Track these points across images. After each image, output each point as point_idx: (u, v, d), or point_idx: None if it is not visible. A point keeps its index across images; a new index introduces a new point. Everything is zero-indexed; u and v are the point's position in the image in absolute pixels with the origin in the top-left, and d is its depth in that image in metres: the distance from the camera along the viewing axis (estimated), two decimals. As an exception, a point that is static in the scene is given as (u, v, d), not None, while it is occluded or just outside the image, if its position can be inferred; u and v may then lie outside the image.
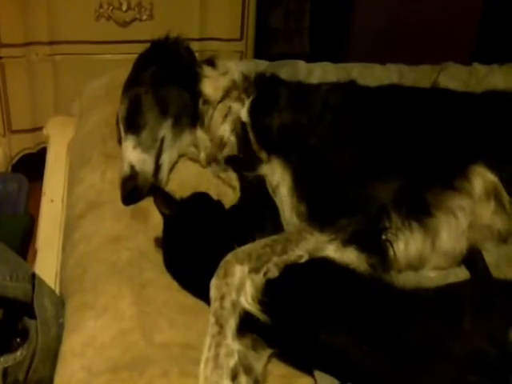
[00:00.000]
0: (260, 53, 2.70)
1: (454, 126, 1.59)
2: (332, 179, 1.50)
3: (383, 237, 1.45)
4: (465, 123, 1.60)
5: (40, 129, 2.22)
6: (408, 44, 2.70)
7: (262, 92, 1.65)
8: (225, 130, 1.63)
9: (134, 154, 1.59)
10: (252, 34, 2.60)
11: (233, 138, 1.63)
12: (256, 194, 1.53)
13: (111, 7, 2.45)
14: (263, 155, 1.57)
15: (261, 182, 1.54)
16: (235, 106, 1.65)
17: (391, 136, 1.57)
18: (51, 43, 2.44)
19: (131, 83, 1.68)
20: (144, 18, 2.49)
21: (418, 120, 1.60)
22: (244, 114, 1.62)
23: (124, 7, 2.47)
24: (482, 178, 1.53)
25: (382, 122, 1.60)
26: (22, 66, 2.44)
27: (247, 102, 1.63)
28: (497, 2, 2.80)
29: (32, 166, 2.44)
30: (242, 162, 1.60)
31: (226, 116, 1.64)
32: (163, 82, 1.65)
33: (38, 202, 1.89)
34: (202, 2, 2.49)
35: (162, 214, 1.43)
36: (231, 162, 1.63)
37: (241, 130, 1.62)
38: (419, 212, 1.50)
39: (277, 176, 1.53)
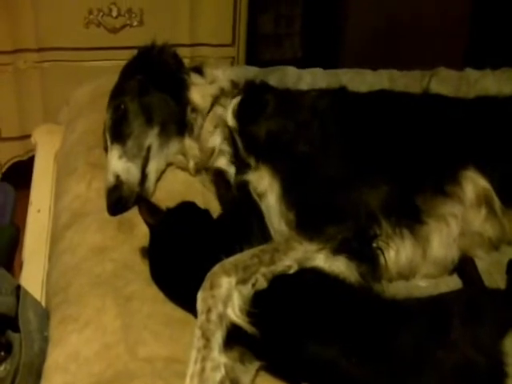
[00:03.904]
0: (252, 58, 2.69)
1: (444, 131, 1.58)
2: (321, 186, 1.48)
3: (374, 245, 1.43)
4: (455, 128, 1.59)
5: (29, 136, 2.20)
6: (401, 49, 2.70)
7: (249, 97, 1.63)
8: (215, 140, 1.61)
9: (119, 164, 1.57)
10: (243, 40, 2.59)
11: (224, 147, 1.60)
12: (241, 204, 1.50)
13: (101, 13, 2.44)
14: (251, 161, 1.55)
15: (245, 189, 1.51)
16: (220, 110, 1.63)
17: (381, 141, 1.56)
18: (40, 50, 2.43)
19: (117, 92, 1.66)
20: (134, 24, 2.48)
21: (407, 125, 1.59)
22: (229, 117, 1.61)
23: (114, 13, 2.46)
24: (473, 183, 1.52)
25: (372, 127, 1.58)
26: (9, 73, 2.43)
27: (232, 105, 1.62)
28: (488, 6, 2.79)
29: (23, 173, 2.41)
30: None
31: (216, 126, 1.62)
32: (149, 90, 1.63)
33: (26, 212, 1.86)
34: (192, 7, 2.48)
35: (148, 224, 1.41)
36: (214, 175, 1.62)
37: (229, 136, 1.60)
38: (410, 218, 1.48)
39: (265, 183, 1.51)
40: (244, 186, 1.52)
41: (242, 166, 1.56)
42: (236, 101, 1.62)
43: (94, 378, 1.22)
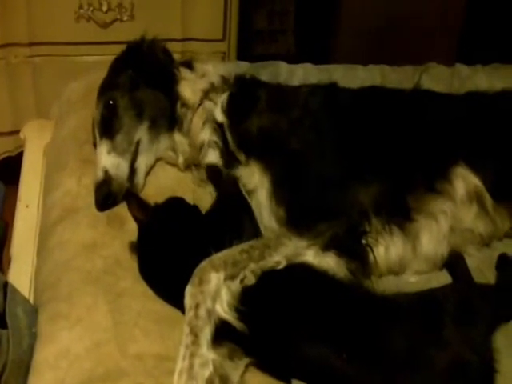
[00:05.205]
0: (244, 54, 2.67)
1: (434, 128, 1.58)
2: (312, 183, 1.48)
3: (363, 241, 1.44)
4: (446, 124, 1.58)
5: (19, 132, 2.18)
6: (393, 44, 2.69)
7: (239, 92, 1.62)
8: (205, 135, 1.60)
9: (108, 159, 1.55)
10: (235, 35, 2.56)
11: (214, 141, 1.59)
12: (233, 199, 1.50)
13: (91, 8, 2.41)
14: (241, 157, 1.54)
15: (235, 183, 1.51)
16: (209, 105, 1.61)
17: (372, 138, 1.55)
18: (31, 44, 2.40)
19: (106, 87, 1.65)
20: (125, 18, 2.45)
21: (398, 122, 1.59)
22: (218, 113, 1.60)
23: (104, 8, 2.43)
24: (463, 180, 1.52)
25: (363, 124, 1.58)
26: (0, 67, 2.40)
27: (220, 100, 1.61)
28: (480, 2, 2.79)
29: (11, 169, 2.40)
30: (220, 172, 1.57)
31: (205, 122, 1.61)
32: (139, 85, 1.62)
33: (14, 207, 1.85)
34: (183, 2, 2.45)
35: (136, 220, 1.40)
36: (209, 172, 1.60)
37: (218, 130, 1.59)
38: (400, 216, 1.48)
39: (255, 179, 1.51)
40: (234, 182, 1.51)
41: (231, 160, 1.55)
42: (225, 96, 1.61)
43: (84, 375, 1.22)
